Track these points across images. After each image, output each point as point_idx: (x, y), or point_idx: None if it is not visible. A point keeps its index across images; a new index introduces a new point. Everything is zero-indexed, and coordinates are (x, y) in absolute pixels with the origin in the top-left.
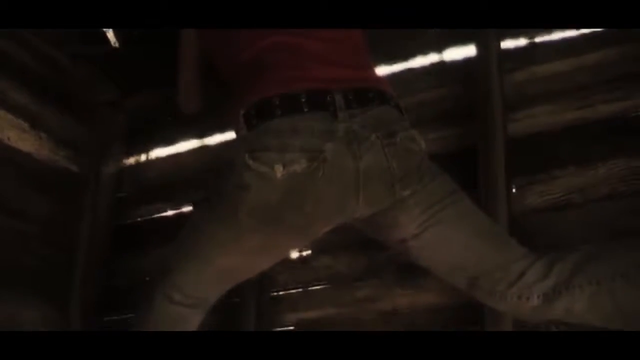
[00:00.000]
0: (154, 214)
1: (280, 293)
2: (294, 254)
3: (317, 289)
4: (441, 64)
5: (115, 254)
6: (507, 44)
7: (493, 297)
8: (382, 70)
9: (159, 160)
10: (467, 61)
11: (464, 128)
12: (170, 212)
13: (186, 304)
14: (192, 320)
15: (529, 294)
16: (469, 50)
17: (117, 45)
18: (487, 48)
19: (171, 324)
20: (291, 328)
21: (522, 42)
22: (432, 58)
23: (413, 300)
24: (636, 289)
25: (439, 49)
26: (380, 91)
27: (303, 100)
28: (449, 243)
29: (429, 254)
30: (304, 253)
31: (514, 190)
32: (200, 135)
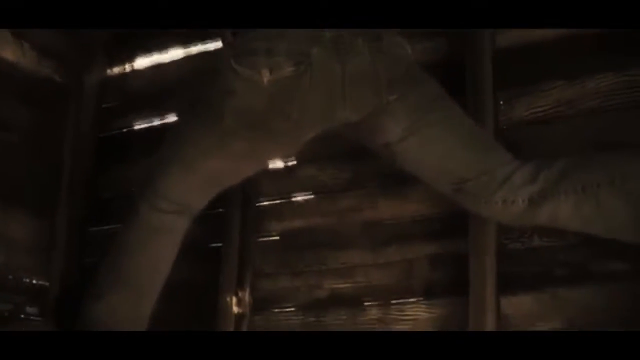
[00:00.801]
0: (139, 124)
1: (265, 203)
2: (279, 164)
3: (301, 199)
4: None
5: (100, 165)
6: None
7: (478, 202)
8: None
9: (144, 70)
10: None
11: (451, 39)
12: (155, 122)
13: (171, 211)
14: (177, 229)
15: (514, 197)
16: None
17: None
18: None
19: (156, 233)
20: (276, 238)
21: None
22: None
23: (398, 210)
24: (620, 197)
25: None
26: None
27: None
28: (435, 147)
29: (414, 158)
30: (289, 163)
31: (501, 102)
32: (185, 44)
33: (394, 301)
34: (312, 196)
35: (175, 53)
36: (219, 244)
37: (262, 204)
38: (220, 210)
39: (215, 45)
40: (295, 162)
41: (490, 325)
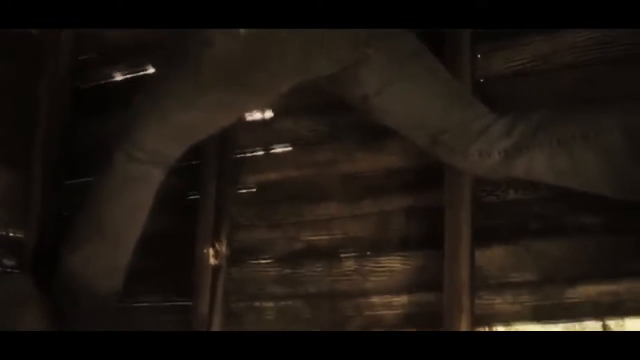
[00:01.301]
0: (116, 77)
1: (242, 155)
2: (256, 116)
3: (278, 151)
4: None
5: (76, 117)
6: None
7: (454, 154)
8: None
9: None
10: None
11: None
12: (132, 75)
13: (147, 161)
14: (153, 179)
15: (490, 150)
16: None
17: None
18: None
19: (132, 182)
20: (253, 189)
21: None
22: None
23: (374, 162)
24: (593, 151)
25: None
26: None
27: None
28: (412, 98)
29: (391, 110)
30: (266, 115)
31: (478, 56)
32: None
33: (369, 253)
34: (289, 148)
35: None
36: (196, 196)
37: (239, 155)
38: (197, 162)
39: None
40: (272, 114)
41: (464, 277)
